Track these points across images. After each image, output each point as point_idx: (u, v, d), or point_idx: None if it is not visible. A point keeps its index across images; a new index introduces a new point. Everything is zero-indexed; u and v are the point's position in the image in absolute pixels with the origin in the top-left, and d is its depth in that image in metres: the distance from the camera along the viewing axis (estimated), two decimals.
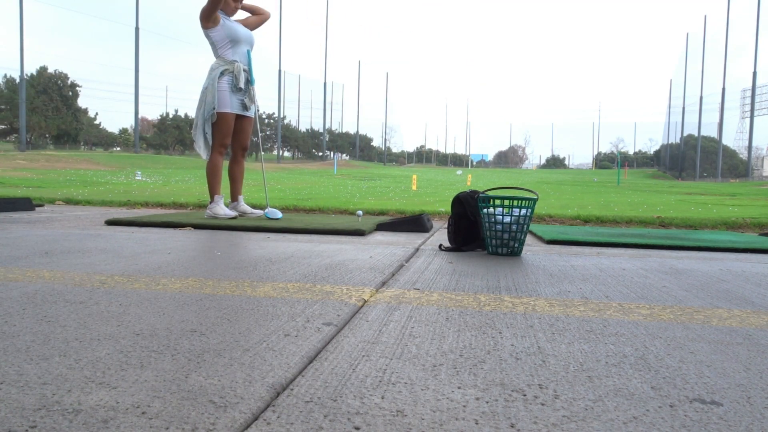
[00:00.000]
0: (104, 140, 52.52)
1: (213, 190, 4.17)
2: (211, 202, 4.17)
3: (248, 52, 4.24)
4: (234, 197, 4.43)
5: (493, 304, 1.62)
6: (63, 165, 22.29)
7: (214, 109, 4.08)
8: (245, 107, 4.23)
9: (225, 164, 4.41)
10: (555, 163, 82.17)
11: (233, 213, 4.16)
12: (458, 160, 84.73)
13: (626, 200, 9.96)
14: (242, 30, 4.20)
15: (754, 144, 40.96)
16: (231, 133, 4.20)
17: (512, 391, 0.94)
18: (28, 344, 1.11)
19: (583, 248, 3.14)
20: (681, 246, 3.27)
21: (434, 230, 4.02)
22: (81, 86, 43.88)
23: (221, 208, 4.11)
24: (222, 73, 4.08)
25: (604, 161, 74.74)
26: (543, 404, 0.89)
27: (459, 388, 0.95)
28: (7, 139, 41.38)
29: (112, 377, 0.94)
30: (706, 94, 42.08)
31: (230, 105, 4.12)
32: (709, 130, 43.36)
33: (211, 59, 4.19)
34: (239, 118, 4.25)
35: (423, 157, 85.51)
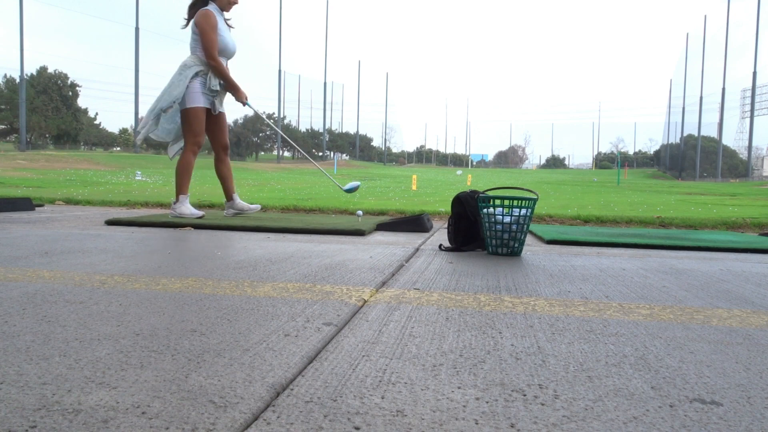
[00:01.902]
0: (104, 140, 52.48)
1: (180, 189, 4.06)
2: (175, 202, 4.08)
3: (226, 62, 4.25)
4: (229, 196, 4.37)
5: (493, 304, 1.62)
6: (63, 165, 22.28)
7: (175, 102, 4.01)
8: (214, 107, 4.16)
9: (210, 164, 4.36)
10: (555, 163, 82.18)
11: (200, 213, 4.08)
12: (458, 160, 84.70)
13: (626, 200, 9.95)
14: (231, 43, 4.17)
15: (754, 144, 41.00)
16: (203, 131, 4.11)
17: (512, 391, 0.94)
18: (28, 344, 1.11)
19: (583, 248, 3.14)
20: (681, 246, 3.27)
21: (434, 230, 4.02)
22: (81, 86, 44.06)
23: (188, 208, 4.05)
24: (196, 74, 4.03)
25: (604, 161, 74.75)
26: (543, 404, 0.89)
27: (459, 388, 0.95)
28: (7, 139, 41.42)
29: (112, 377, 0.94)
30: (706, 94, 42.12)
31: (201, 101, 4.05)
32: (709, 130, 43.42)
33: None
34: (213, 115, 4.18)
35: (423, 157, 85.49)
